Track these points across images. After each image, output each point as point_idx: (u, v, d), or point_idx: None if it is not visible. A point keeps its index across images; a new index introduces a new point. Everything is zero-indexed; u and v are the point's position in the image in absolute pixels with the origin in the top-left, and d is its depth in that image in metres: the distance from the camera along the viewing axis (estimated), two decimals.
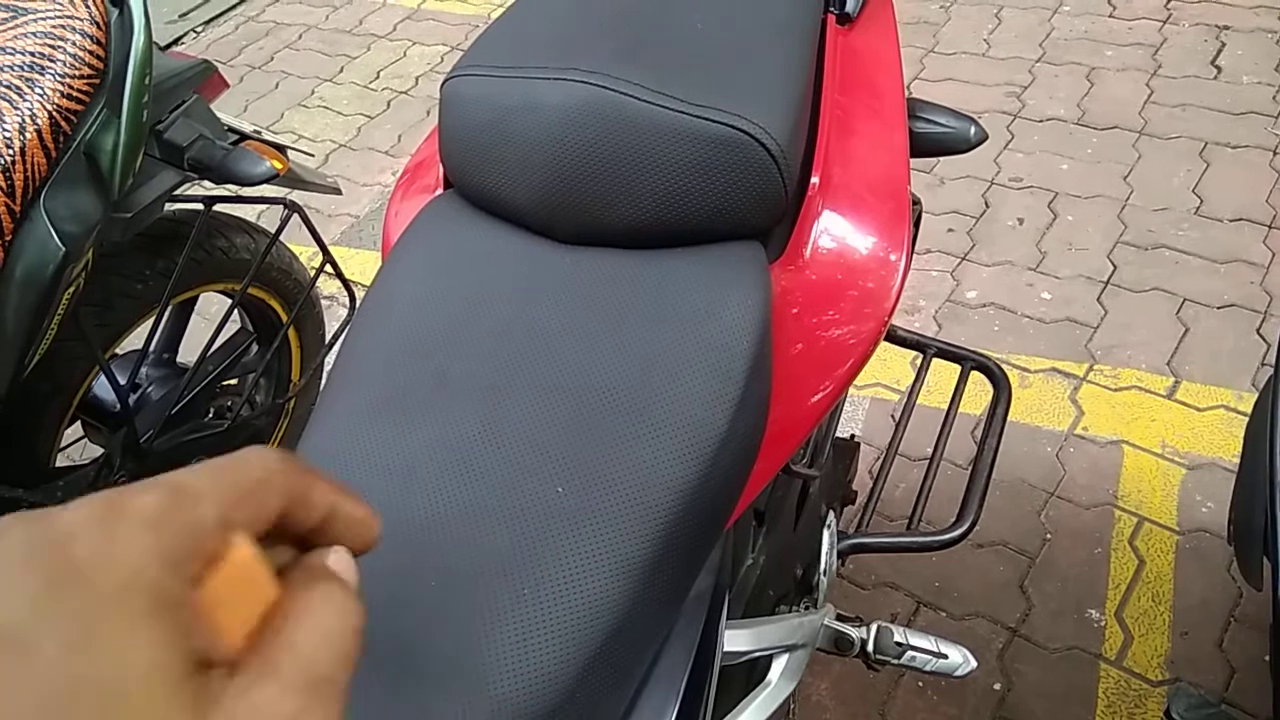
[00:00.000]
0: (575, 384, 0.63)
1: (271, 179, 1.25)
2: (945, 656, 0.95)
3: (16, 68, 1.03)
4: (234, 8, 3.45)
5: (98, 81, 1.07)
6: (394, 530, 0.58)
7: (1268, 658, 1.32)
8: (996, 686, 1.42)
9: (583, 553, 0.55)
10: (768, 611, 0.95)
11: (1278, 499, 0.99)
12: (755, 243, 0.71)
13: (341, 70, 3.04)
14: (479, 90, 0.72)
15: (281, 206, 1.40)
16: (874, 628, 0.94)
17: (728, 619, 0.76)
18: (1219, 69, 2.48)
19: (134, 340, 1.35)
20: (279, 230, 1.41)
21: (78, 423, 1.38)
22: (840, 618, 0.96)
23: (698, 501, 0.60)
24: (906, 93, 0.89)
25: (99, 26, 1.07)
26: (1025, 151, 2.33)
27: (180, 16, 3.41)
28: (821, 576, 0.97)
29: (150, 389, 1.43)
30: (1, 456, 1.19)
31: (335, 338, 1.65)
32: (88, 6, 1.07)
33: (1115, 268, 2.01)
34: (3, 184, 0.98)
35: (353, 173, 2.60)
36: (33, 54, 1.04)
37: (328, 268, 1.50)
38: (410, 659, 0.51)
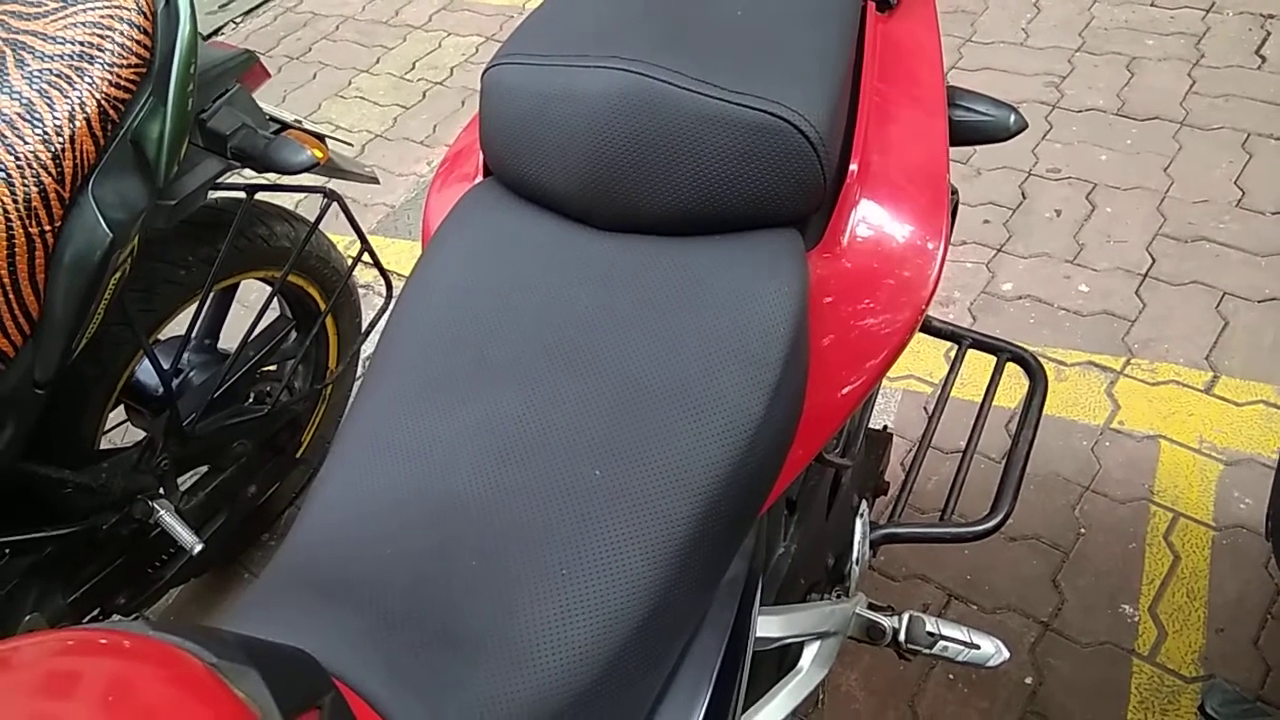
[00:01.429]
0: (613, 369, 0.64)
1: (312, 168, 1.27)
2: (978, 647, 0.95)
3: (66, 57, 1.05)
4: None
5: (144, 71, 1.09)
6: (436, 510, 0.59)
7: None
8: (1028, 680, 1.42)
9: (620, 534, 0.56)
10: (799, 599, 0.95)
11: None
12: (793, 230, 0.71)
13: (378, 61, 3.07)
14: (519, 79, 0.73)
15: (321, 195, 1.42)
16: (906, 617, 0.94)
17: (760, 605, 0.77)
18: (1263, 59, 2.43)
19: (176, 326, 1.38)
20: (318, 219, 1.43)
21: (120, 406, 1.41)
22: (872, 607, 0.96)
23: (733, 486, 0.61)
24: (946, 81, 0.89)
25: (146, 16, 1.09)
26: (1064, 142, 2.30)
27: (220, 7, 3.45)
28: (854, 565, 0.97)
29: (192, 374, 1.46)
30: (48, 438, 1.22)
31: (372, 325, 1.67)
32: None
33: (1154, 260, 1.99)
34: (53, 171, 1.01)
35: (389, 163, 2.62)
36: (82, 44, 1.06)
37: (365, 256, 1.52)
38: (451, 634, 0.53)
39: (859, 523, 1.00)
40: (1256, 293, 1.89)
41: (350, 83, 2.99)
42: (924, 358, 1.89)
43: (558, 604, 0.54)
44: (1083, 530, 1.59)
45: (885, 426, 1.62)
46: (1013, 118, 0.91)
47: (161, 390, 1.33)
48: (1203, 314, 1.87)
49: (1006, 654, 0.96)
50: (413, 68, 3.01)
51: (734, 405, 0.62)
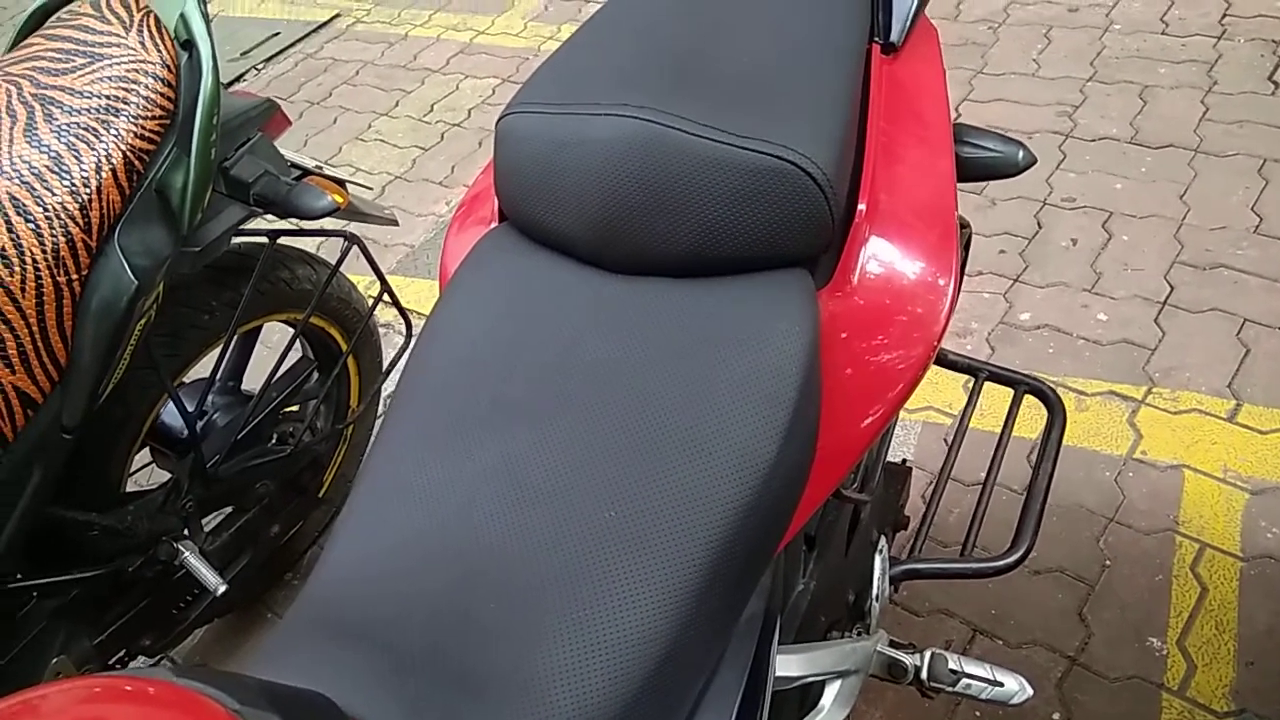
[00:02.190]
0: (626, 410, 0.64)
1: (333, 212, 1.29)
2: (1001, 684, 0.94)
3: (93, 110, 1.08)
4: (293, 45, 3.57)
5: (169, 122, 1.12)
6: (454, 552, 0.60)
7: None
8: (1056, 716, 1.40)
9: (635, 577, 0.57)
10: (819, 637, 0.95)
11: None
12: (803, 270, 0.72)
13: (397, 104, 3.12)
14: (532, 126, 0.75)
15: (341, 239, 1.44)
16: (928, 655, 0.94)
17: (779, 644, 0.77)
18: (1276, 85, 2.43)
19: (201, 369, 1.40)
20: (339, 262, 1.45)
21: (146, 449, 1.43)
22: (893, 644, 0.96)
23: (748, 527, 0.61)
24: (953, 118, 0.90)
25: (170, 70, 1.12)
26: (1078, 171, 2.31)
27: (242, 55, 3.53)
28: (874, 602, 0.97)
29: (216, 416, 1.48)
30: (75, 482, 1.24)
31: (392, 365, 1.69)
32: (159, 51, 1.13)
33: (1173, 288, 1.98)
34: (80, 220, 1.03)
35: (408, 204, 2.66)
36: (108, 97, 1.09)
37: (385, 297, 1.54)
38: (468, 677, 0.53)
39: (878, 559, 0.99)
40: (1277, 319, 1.87)
41: (370, 126, 3.04)
42: (943, 389, 1.88)
43: (574, 647, 0.54)
44: (1108, 562, 1.57)
45: (905, 460, 1.61)
46: (1021, 153, 0.92)
47: (186, 433, 1.35)
48: (1223, 341, 1.86)
49: (1030, 691, 0.95)
50: (431, 110, 3.06)
51: (747, 446, 0.62)
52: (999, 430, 1.23)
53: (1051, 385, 1.24)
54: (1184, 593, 1.52)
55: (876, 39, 0.87)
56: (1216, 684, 1.40)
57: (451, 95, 3.11)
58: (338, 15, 3.72)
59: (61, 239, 1.01)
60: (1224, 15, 2.70)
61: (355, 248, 1.44)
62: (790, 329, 0.67)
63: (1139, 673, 1.43)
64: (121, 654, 1.41)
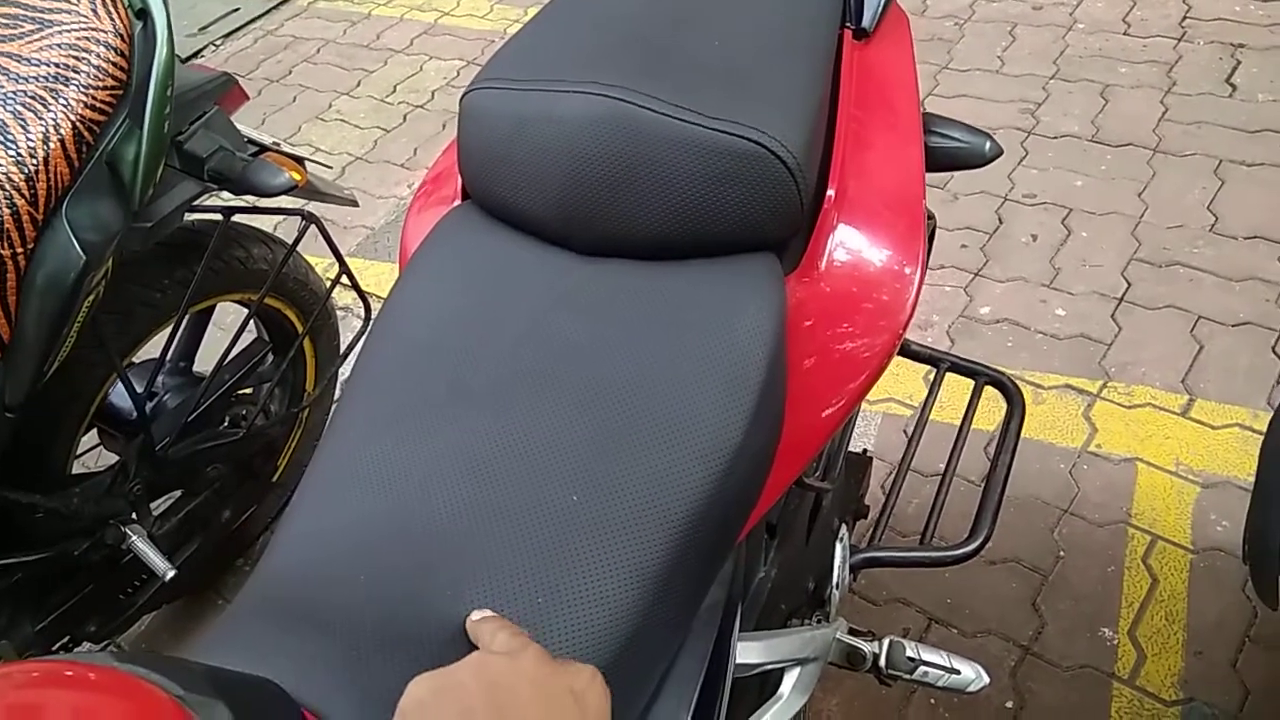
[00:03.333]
0: (591, 394, 0.63)
1: (290, 190, 1.26)
2: (958, 672, 0.95)
3: (41, 79, 1.04)
4: (253, 22, 3.49)
5: (121, 93, 1.08)
6: (410, 537, 0.58)
7: None
8: (1009, 705, 1.41)
9: (597, 561, 0.56)
10: (780, 625, 0.95)
11: None
12: (770, 254, 0.71)
13: (358, 84, 3.07)
14: (498, 103, 0.73)
15: (299, 218, 1.41)
16: (886, 642, 0.94)
17: (740, 631, 0.76)
18: (1234, 86, 2.47)
19: (151, 349, 1.36)
20: (296, 241, 1.42)
21: (94, 430, 1.39)
22: (853, 632, 0.96)
23: (711, 512, 0.60)
24: (921, 108, 0.90)
25: (123, 39, 1.09)
26: (1039, 168, 2.33)
27: (200, 30, 3.45)
28: (834, 590, 0.97)
29: (166, 397, 1.44)
30: (19, 462, 1.20)
31: (350, 348, 1.66)
32: (112, 19, 1.09)
33: (1129, 285, 2.01)
34: (26, 193, 1.00)
35: (369, 185, 2.62)
36: (57, 65, 1.05)
37: (344, 279, 1.51)
38: (420, 663, 0.52)
39: (839, 547, 0.99)
40: (1231, 317, 1.91)
41: (331, 105, 2.99)
42: (904, 380, 1.89)
43: (534, 632, 0.53)
44: (1062, 553, 1.59)
45: (865, 450, 1.62)
46: (988, 144, 0.92)
47: (135, 414, 1.31)
48: (1178, 338, 1.89)
49: (986, 679, 0.95)
50: (394, 91, 3.01)
51: (712, 430, 0.61)
52: (958, 423, 1.23)
53: (1011, 378, 1.24)
54: (1135, 584, 1.54)
55: (848, 24, 0.87)
56: (1166, 673, 1.42)
57: (415, 76, 3.06)
58: None
59: (5, 211, 0.98)
60: (1184, 17, 2.74)
61: (313, 227, 1.41)
62: (757, 313, 0.67)
63: (1091, 662, 1.45)
64: (65, 640, 1.37)
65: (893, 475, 1.20)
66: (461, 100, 0.76)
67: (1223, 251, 2.04)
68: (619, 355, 0.65)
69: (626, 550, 0.56)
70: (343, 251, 1.54)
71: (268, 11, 3.55)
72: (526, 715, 0.39)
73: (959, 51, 2.76)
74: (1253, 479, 1.21)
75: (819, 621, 0.94)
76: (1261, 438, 1.24)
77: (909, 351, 1.21)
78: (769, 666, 0.82)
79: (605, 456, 0.60)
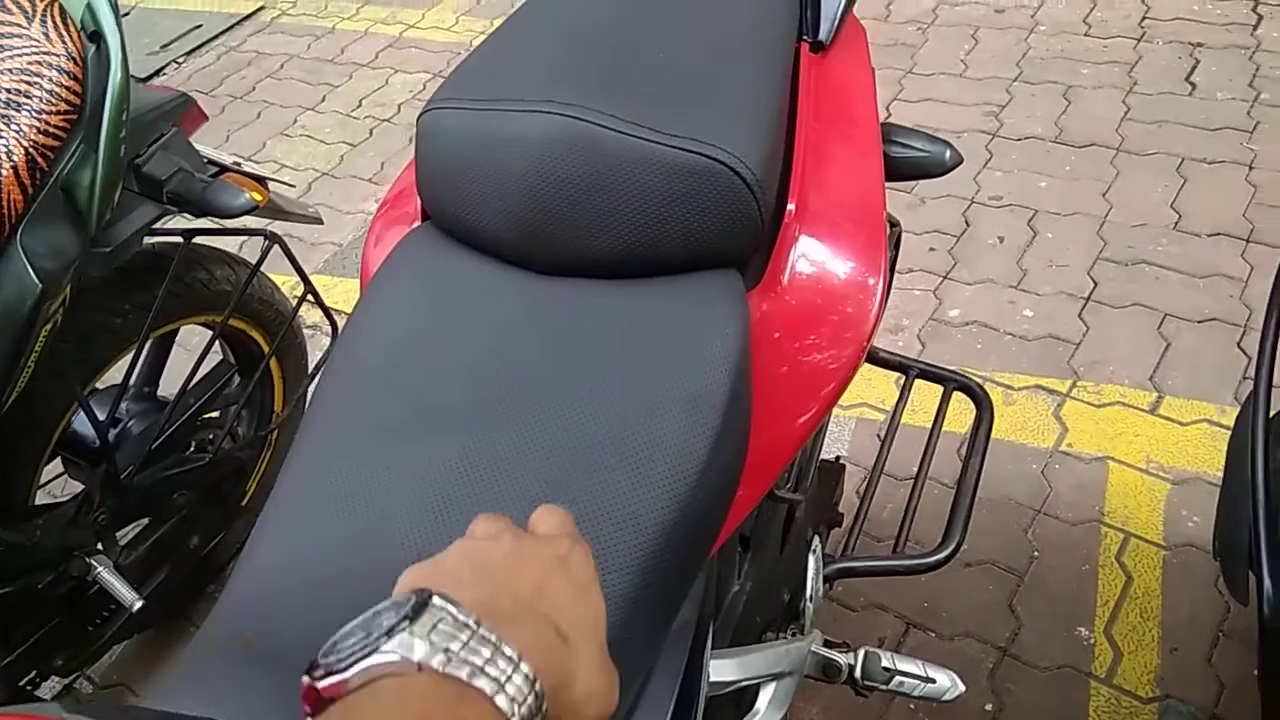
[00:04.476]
0: (553, 417, 0.63)
1: (251, 211, 1.25)
2: (933, 681, 0.95)
3: None
4: (215, 38, 3.46)
5: (75, 117, 1.07)
6: (372, 566, 0.57)
7: (1256, 672, 1.32)
8: (988, 707, 1.42)
9: None
10: (755, 638, 0.94)
11: (1261, 513, 0.99)
12: (732, 271, 0.71)
13: (324, 99, 3.05)
14: (455, 123, 0.73)
15: (262, 238, 1.40)
16: (861, 653, 0.94)
17: (714, 648, 0.76)
18: (1193, 85, 2.50)
19: (115, 374, 1.34)
20: (259, 262, 1.40)
21: (57, 459, 1.36)
22: (828, 643, 0.96)
23: (679, 533, 0.60)
24: (882, 117, 0.90)
25: (76, 62, 1.07)
26: (1004, 170, 2.35)
27: (162, 48, 3.41)
28: (808, 602, 0.96)
29: (130, 424, 1.42)
30: None
31: (318, 368, 1.64)
32: (64, 42, 1.07)
33: (1096, 284, 2.02)
34: None
35: (335, 201, 2.60)
36: (9, 90, 1.03)
37: (309, 298, 1.49)
38: None
39: (812, 558, 0.99)
40: (1197, 313, 1.93)
41: (296, 121, 2.96)
42: (876, 386, 1.90)
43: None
44: (1036, 553, 1.60)
45: (838, 457, 1.62)
46: (948, 153, 0.93)
47: (98, 442, 1.29)
48: (1145, 336, 1.91)
49: (962, 687, 0.95)
50: (359, 105, 2.99)
51: (676, 450, 0.61)
52: (930, 425, 1.23)
53: (979, 381, 1.25)
54: (1110, 582, 1.55)
55: (805, 37, 0.87)
56: (1142, 671, 1.43)
57: (381, 90, 3.05)
58: (262, 8, 3.62)
59: None
60: (1144, 18, 2.77)
61: (276, 247, 1.39)
62: (721, 331, 0.66)
63: (1068, 662, 1.46)
64: (32, 675, 1.34)
65: (866, 481, 1.20)
66: (419, 120, 0.75)
67: (1187, 249, 2.07)
68: (581, 377, 0.64)
69: None
70: (310, 268, 1.53)
71: (230, 28, 3.52)
72: (514, 579, 0.41)
73: (923, 56, 2.77)
74: (1221, 474, 1.22)
75: (794, 634, 0.93)
76: (1229, 434, 1.26)
77: (878, 359, 1.21)
78: (745, 683, 0.81)
79: (568, 481, 0.59)
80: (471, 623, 0.35)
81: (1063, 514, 1.64)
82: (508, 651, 0.35)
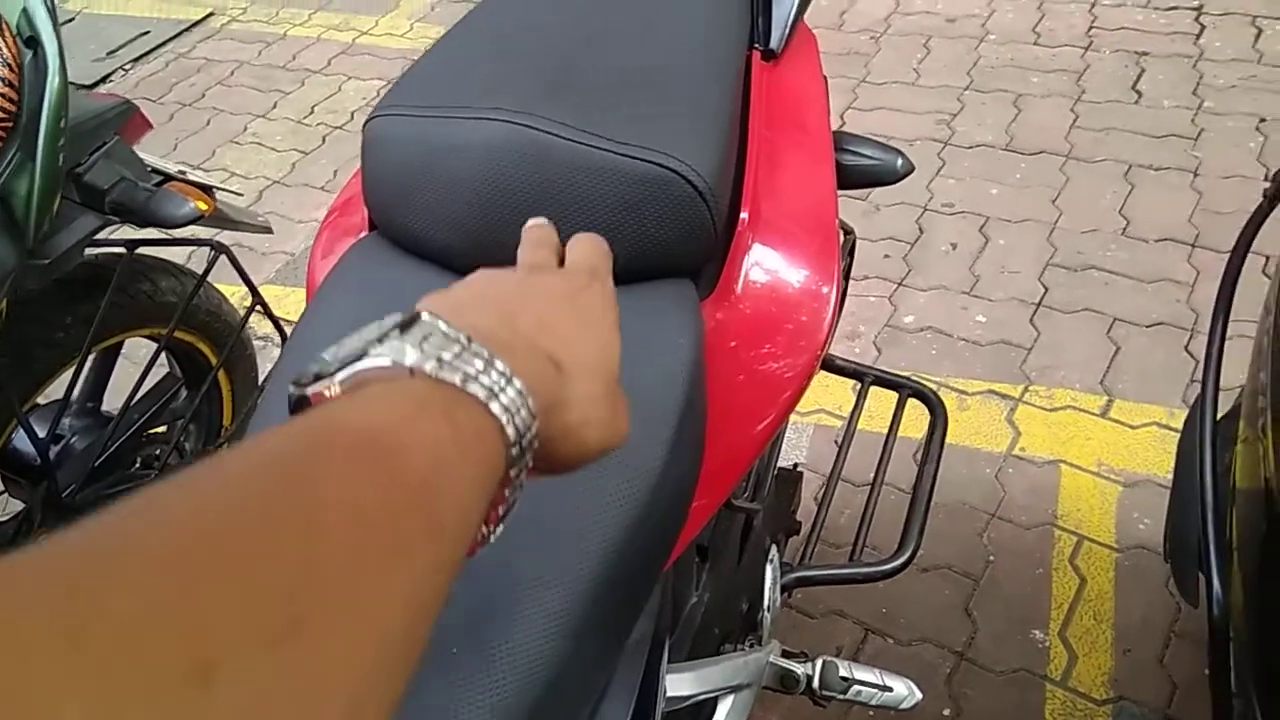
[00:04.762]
0: None
1: (196, 220, 1.22)
2: (890, 689, 0.94)
3: None
4: (164, 45, 3.40)
5: (10, 125, 1.04)
6: None
7: (1206, 672, 1.34)
8: (946, 712, 1.42)
9: (513, 605, 0.54)
10: (714, 650, 0.93)
11: (1209, 516, 1.00)
12: (685, 280, 0.70)
13: (275, 106, 3.00)
14: (402, 130, 0.71)
15: (208, 248, 1.37)
16: (819, 663, 0.93)
17: (671, 662, 0.75)
18: (1140, 94, 2.55)
19: (57, 389, 1.30)
20: (205, 272, 1.38)
21: None
22: (785, 654, 0.95)
23: (633, 547, 0.59)
24: (834, 125, 0.90)
25: (11, 69, 1.04)
26: (956, 178, 2.38)
27: (108, 54, 3.34)
28: (765, 613, 0.96)
29: (73, 440, 1.38)
30: None
31: (268, 380, 1.61)
32: None
33: (1047, 289, 2.05)
34: None
35: (287, 209, 2.56)
36: None
37: (258, 308, 1.47)
38: None
39: (769, 568, 0.99)
40: (1145, 317, 1.96)
41: (246, 128, 2.92)
42: (834, 392, 1.90)
43: (447, 682, 0.51)
44: (992, 558, 1.61)
45: (796, 465, 1.62)
46: (899, 161, 0.93)
47: (39, 459, 1.25)
48: (1095, 340, 1.93)
49: (919, 695, 0.95)
50: (312, 112, 2.95)
51: (629, 463, 0.60)
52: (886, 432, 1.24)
53: (934, 388, 1.25)
54: (1064, 585, 1.57)
55: (756, 45, 0.87)
56: (1096, 673, 1.45)
57: (334, 96, 3.01)
58: (212, 13, 3.56)
59: None
60: (1090, 27, 2.83)
61: (224, 257, 1.37)
62: (674, 341, 0.65)
63: (1024, 665, 1.47)
64: None
65: (823, 489, 1.20)
66: (365, 127, 0.74)
67: (1135, 254, 2.10)
68: None
69: (545, 592, 0.54)
70: (261, 278, 1.51)
71: (179, 34, 3.46)
72: (516, 313, 0.41)
73: (876, 65, 2.80)
74: (1171, 477, 1.24)
75: (752, 645, 0.93)
76: (1178, 435, 1.27)
77: (834, 366, 1.21)
78: (702, 696, 0.80)
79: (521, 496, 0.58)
80: (463, 339, 0.34)
81: (1017, 518, 1.66)
82: (500, 366, 0.34)
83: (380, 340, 0.33)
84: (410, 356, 0.32)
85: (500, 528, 0.38)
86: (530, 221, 0.52)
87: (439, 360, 0.33)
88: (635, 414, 0.62)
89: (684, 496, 0.67)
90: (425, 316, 0.34)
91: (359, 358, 0.33)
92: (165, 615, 0.19)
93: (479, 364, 0.33)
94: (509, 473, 0.34)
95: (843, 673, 0.92)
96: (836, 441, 1.82)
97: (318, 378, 0.33)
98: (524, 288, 0.43)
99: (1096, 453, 1.74)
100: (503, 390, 0.33)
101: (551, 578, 0.55)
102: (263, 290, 1.51)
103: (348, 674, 0.22)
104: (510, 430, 0.33)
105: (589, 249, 0.49)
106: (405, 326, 0.34)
